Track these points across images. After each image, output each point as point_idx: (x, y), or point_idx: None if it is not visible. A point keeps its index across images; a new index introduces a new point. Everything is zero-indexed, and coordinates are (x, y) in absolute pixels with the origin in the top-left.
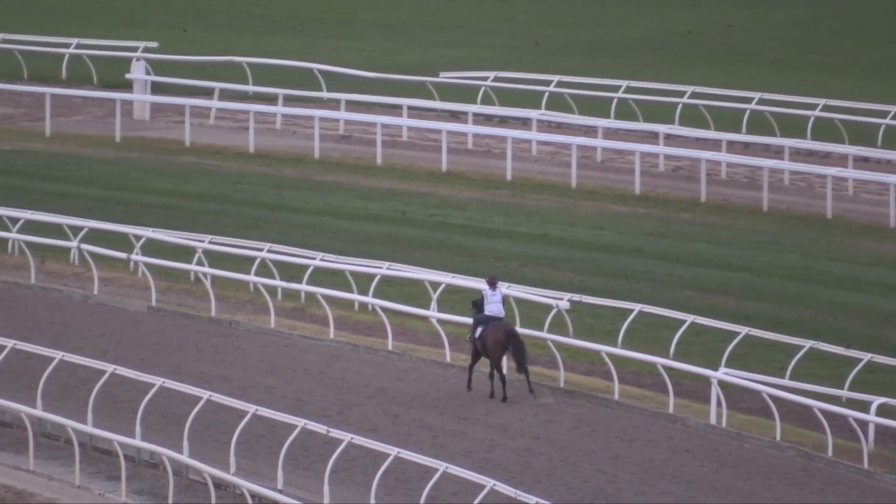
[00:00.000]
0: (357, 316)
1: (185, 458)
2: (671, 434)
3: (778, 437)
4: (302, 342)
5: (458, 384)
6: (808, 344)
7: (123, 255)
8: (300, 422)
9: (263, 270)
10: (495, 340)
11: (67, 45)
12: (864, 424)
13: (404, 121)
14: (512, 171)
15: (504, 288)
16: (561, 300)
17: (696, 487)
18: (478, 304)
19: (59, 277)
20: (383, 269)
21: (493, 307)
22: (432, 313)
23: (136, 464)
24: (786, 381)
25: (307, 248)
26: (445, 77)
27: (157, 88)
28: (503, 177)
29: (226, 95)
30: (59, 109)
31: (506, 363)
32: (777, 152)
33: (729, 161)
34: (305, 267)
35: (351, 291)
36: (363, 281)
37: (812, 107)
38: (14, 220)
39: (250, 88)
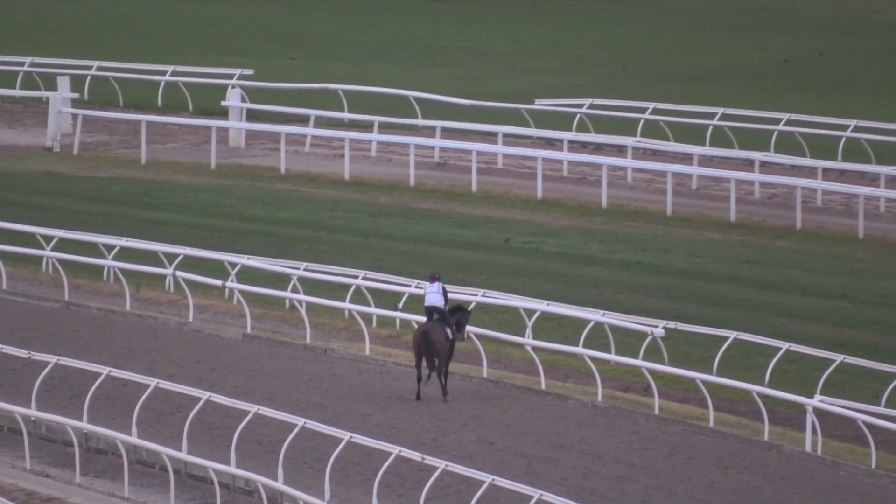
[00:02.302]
0: None
1: (279, 485)
2: (766, 462)
3: (874, 465)
4: (397, 369)
5: (554, 411)
6: None
7: (218, 283)
8: (395, 449)
9: (358, 298)
10: (413, 339)
11: (163, 73)
12: None
13: (500, 148)
14: (607, 198)
15: (598, 315)
16: (656, 327)
17: None
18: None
19: (155, 304)
20: (478, 296)
21: (431, 297)
22: (527, 340)
23: (231, 491)
24: (882, 409)
25: (402, 276)
26: (541, 104)
27: (253, 116)
28: (598, 204)
29: (321, 123)
30: (155, 137)
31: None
32: (872, 180)
33: (824, 188)
34: (400, 294)
35: None
36: None
37: None
38: (110, 248)
39: (346, 116)
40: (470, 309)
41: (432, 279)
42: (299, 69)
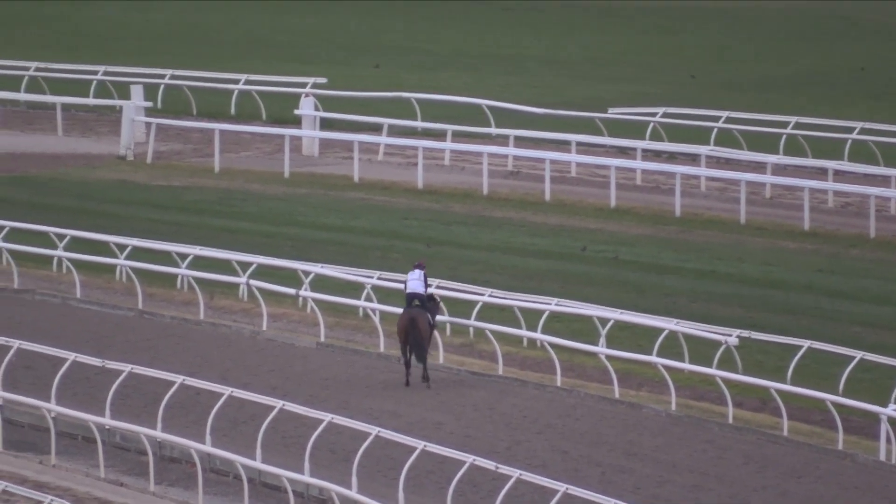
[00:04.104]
0: (526, 352)
1: (354, 493)
2: (840, 471)
3: None
4: (470, 378)
5: (627, 420)
6: None
7: (292, 291)
8: (469, 458)
9: None
10: (399, 327)
11: (236, 81)
12: None
13: (573, 157)
14: (681, 207)
15: (672, 324)
16: (730, 336)
17: None
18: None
19: (228, 313)
20: (552, 305)
21: (412, 283)
22: (601, 349)
23: (305, 500)
24: None
25: (476, 284)
26: (614, 113)
27: (326, 124)
28: (672, 213)
29: (394, 131)
30: (228, 145)
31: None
32: None
33: None
34: (474, 303)
35: (519, 327)
36: (532, 317)
37: None
38: (183, 256)
39: (419, 124)
40: (439, 300)
41: (418, 267)
42: (373, 78)
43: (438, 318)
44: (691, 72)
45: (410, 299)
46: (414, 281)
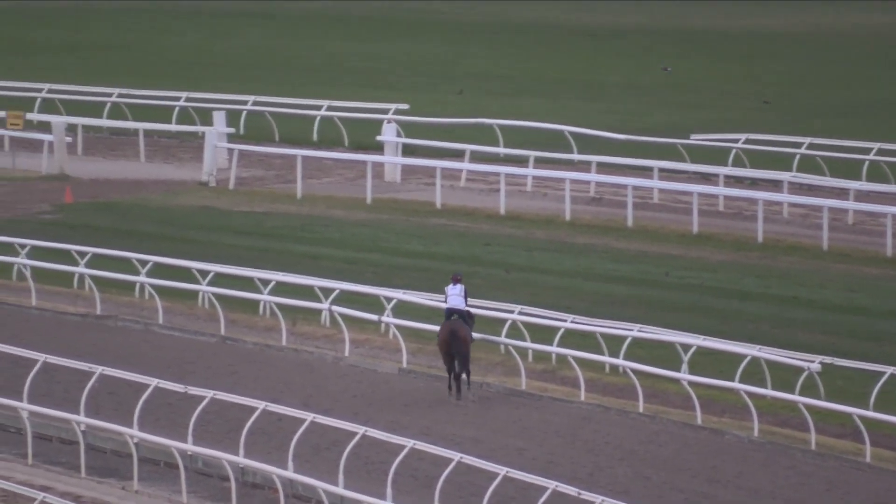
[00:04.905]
0: (608, 378)
1: None
2: None
3: None
4: (553, 404)
5: (710, 446)
6: None
7: (374, 317)
8: (551, 484)
9: (514, 332)
10: (440, 339)
11: (318, 108)
12: None
13: (655, 182)
14: (763, 233)
15: (755, 350)
16: (812, 363)
17: None
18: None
19: (311, 339)
20: (634, 331)
21: (452, 299)
22: (683, 375)
23: None
24: None
25: (558, 310)
26: (696, 139)
27: (408, 150)
28: (754, 239)
29: (476, 157)
30: (310, 171)
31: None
32: None
33: None
34: (556, 329)
35: (602, 353)
36: (614, 343)
37: None
38: (266, 282)
39: (501, 150)
40: (473, 314)
41: (455, 281)
42: (454, 104)
43: (475, 333)
44: (769, 97)
45: (450, 314)
46: (455, 296)
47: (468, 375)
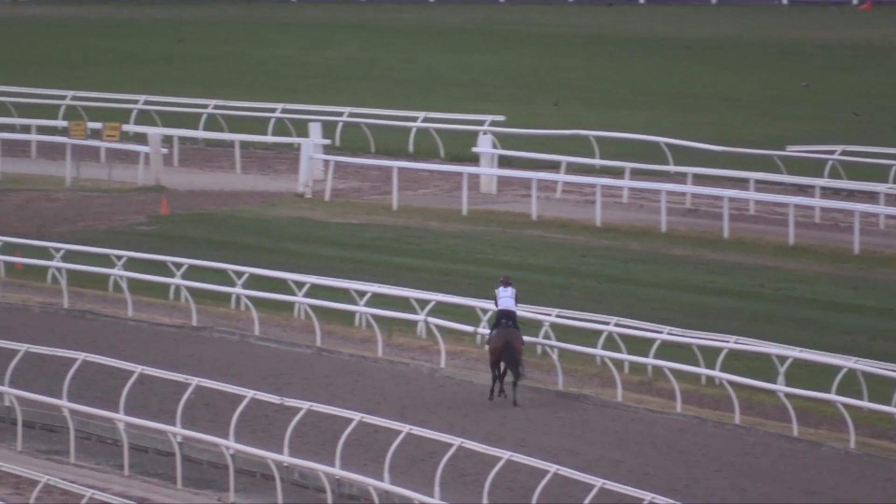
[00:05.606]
0: (704, 390)
1: None
2: None
3: None
4: (649, 416)
5: (806, 458)
6: None
7: (470, 329)
8: (647, 496)
9: (610, 344)
10: (493, 348)
11: (414, 119)
12: None
13: (751, 194)
14: (860, 244)
15: (851, 362)
16: None
17: None
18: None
19: (407, 350)
20: (730, 342)
21: (504, 301)
22: (779, 387)
23: None
24: None
25: (654, 322)
26: (792, 150)
27: (504, 162)
28: (850, 251)
29: (572, 169)
30: (406, 183)
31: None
32: None
33: None
34: (652, 341)
35: (698, 365)
36: (710, 354)
37: None
38: (362, 294)
39: (597, 162)
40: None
41: (505, 284)
42: (551, 115)
43: (525, 337)
44: (864, 109)
45: (503, 316)
46: (506, 298)
47: (519, 380)
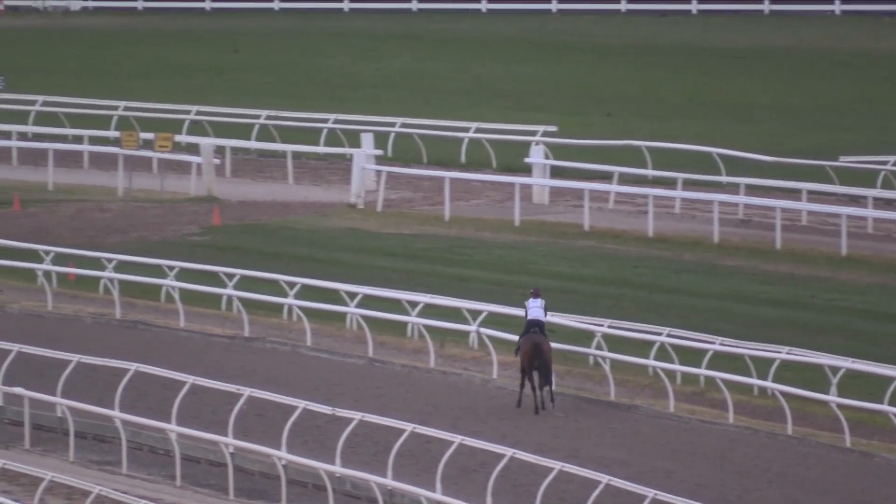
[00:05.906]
0: (756, 400)
1: None
2: None
3: None
4: (701, 426)
5: (859, 469)
6: None
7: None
8: None
9: (662, 355)
10: (523, 352)
11: (466, 130)
12: None
13: (804, 205)
14: None
15: None
16: None
17: None
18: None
19: (459, 361)
20: (783, 353)
21: (534, 311)
22: (832, 398)
23: None
24: None
25: (706, 333)
26: (845, 161)
27: (556, 172)
28: None
29: (625, 179)
30: (458, 193)
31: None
32: None
33: None
34: (704, 351)
35: (750, 376)
36: (762, 365)
37: None
38: (413, 304)
39: (649, 172)
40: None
41: (535, 295)
42: (603, 126)
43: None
44: None
45: (530, 325)
46: (536, 309)
47: (552, 387)
